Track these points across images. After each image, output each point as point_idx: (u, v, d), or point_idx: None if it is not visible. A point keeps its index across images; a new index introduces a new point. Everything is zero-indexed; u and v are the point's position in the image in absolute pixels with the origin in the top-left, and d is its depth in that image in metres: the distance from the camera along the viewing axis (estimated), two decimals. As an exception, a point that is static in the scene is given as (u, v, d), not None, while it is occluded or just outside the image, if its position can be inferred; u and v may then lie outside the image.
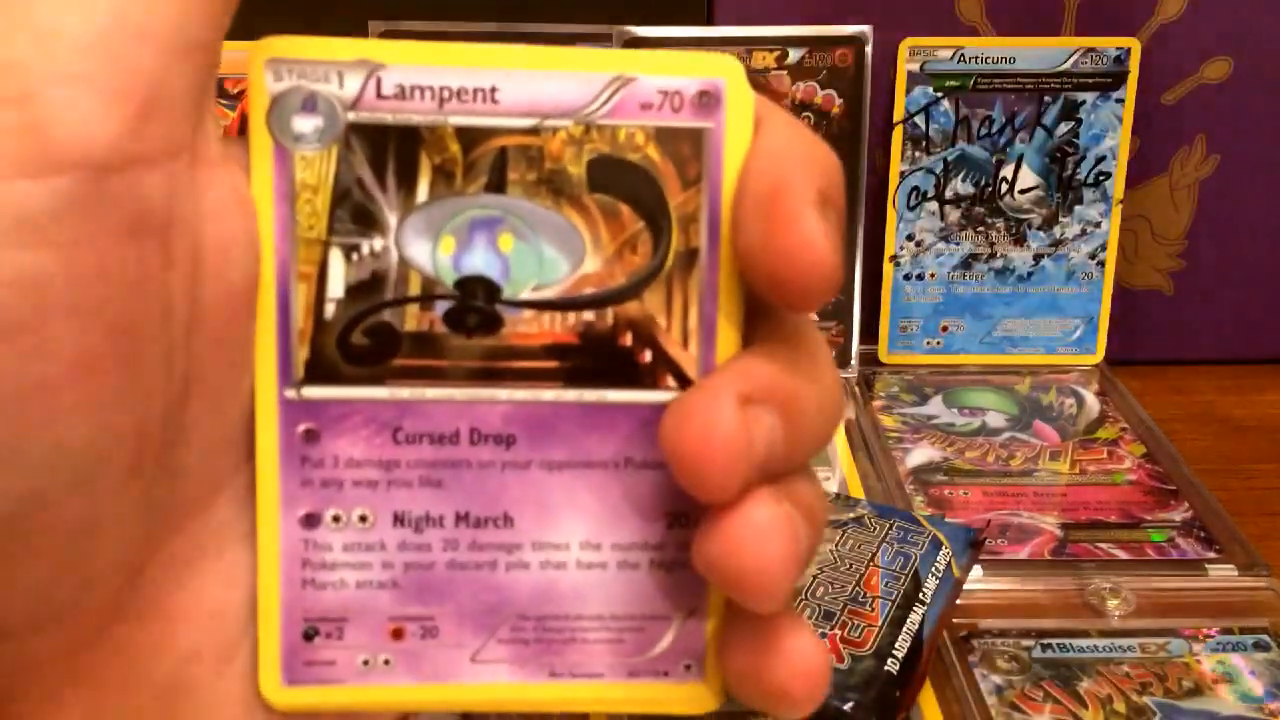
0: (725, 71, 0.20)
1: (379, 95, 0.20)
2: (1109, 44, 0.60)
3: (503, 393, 0.21)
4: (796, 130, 0.21)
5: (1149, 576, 0.48)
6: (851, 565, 0.43)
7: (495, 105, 0.20)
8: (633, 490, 0.21)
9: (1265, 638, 0.44)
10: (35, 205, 0.16)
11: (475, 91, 0.20)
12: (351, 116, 0.20)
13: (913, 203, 0.63)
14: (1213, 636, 0.44)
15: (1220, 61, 0.61)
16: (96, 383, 0.17)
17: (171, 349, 0.18)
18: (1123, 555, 0.49)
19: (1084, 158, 0.62)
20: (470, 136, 0.20)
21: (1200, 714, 0.41)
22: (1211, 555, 0.49)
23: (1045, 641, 0.44)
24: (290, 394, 0.20)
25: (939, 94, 0.61)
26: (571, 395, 0.21)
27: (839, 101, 0.60)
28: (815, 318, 0.63)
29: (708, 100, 0.20)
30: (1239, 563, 0.48)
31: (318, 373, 0.20)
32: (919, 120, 0.62)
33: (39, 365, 0.16)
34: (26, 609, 0.18)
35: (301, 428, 0.20)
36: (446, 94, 0.20)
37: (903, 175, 0.62)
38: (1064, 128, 0.62)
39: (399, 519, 0.21)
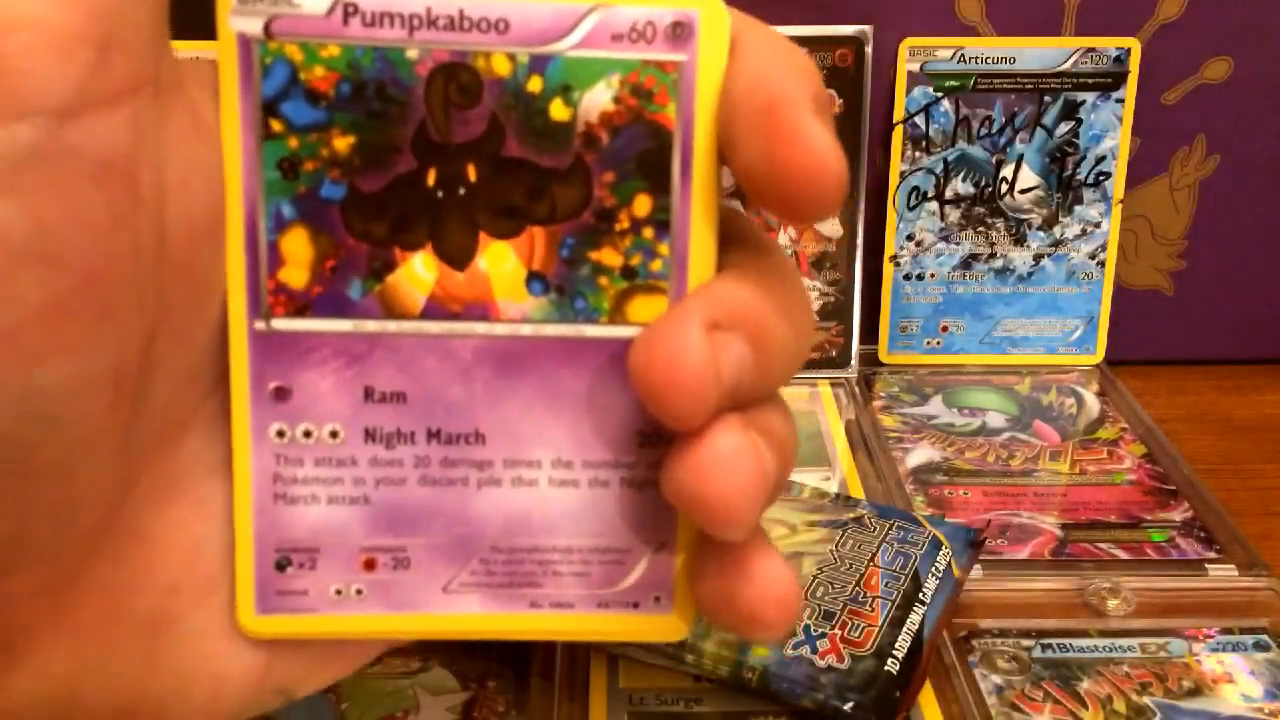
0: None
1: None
2: (1109, 44, 0.60)
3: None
4: (777, 41, 0.20)
5: (1149, 576, 0.48)
6: (851, 565, 0.43)
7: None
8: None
9: (1265, 638, 0.44)
10: None
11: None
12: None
13: (913, 203, 0.63)
14: (1213, 636, 0.44)
15: (1220, 61, 0.61)
16: (67, 328, 0.17)
17: (142, 286, 0.18)
18: (1123, 555, 0.49)
19: (1084, 158, 0.62)
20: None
21: (1200, 714, 0.41)
22: (1211, 555, 0.49)
23: (1045, 641, 0.44)
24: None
25: (939, 94, 0.61)
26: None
27: (839, 101, 0.60)
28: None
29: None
30: (1239, 563, 0.48)
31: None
32: (919, 120, 0.62)
33: (7, 312, 0.16)
34: (5, 551, 0.18)
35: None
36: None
37: (903, 175, 0.62)
38: (1064, 128, 0.62)
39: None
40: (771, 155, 0.19)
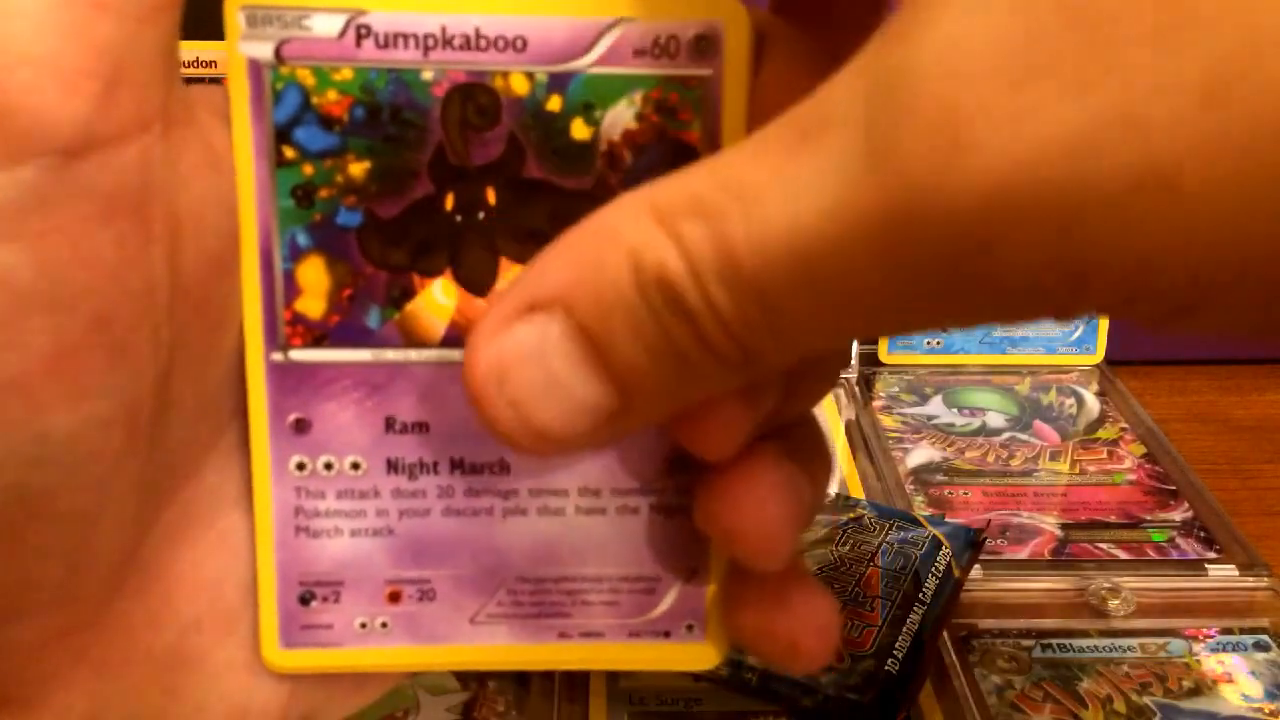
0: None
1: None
2: (1109, 44, 0.60)
3: None
4: (805, 45, 0.20)
5: (1149, 576, 0.48)
6: (851, 565, 0.43)
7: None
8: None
9: (1265, 638, 0.44)
10: (0, 197, 0.15)
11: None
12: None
13: (913, 203, 0.63)
14: (1213, 636, 0.44)
15: (1220, 61, 0.61)
16: (77, 373, 0.16)
17: (156, 325, 0.17)
18: (1123, 555, 0.49)
19: (1084, 158, 0.62)
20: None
21: (1200, 714, 0.41)
22: (1211, 555, 0.49)
23: (1045, 641, 0.44)
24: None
25: (939, 94, 0.61)
26: None
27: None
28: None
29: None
30: (1239, 563, 0.48)
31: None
32: (919, 120, 0.62)
33: (14, 359, 0.16)
34: (23, 596, 0.18)
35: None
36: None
37: (903, 175, 0.62)
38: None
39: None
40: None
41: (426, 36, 0.19)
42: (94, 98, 0.15)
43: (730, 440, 0.18)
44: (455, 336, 0.20)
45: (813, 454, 0.20)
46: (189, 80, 0.18)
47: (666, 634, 0.21)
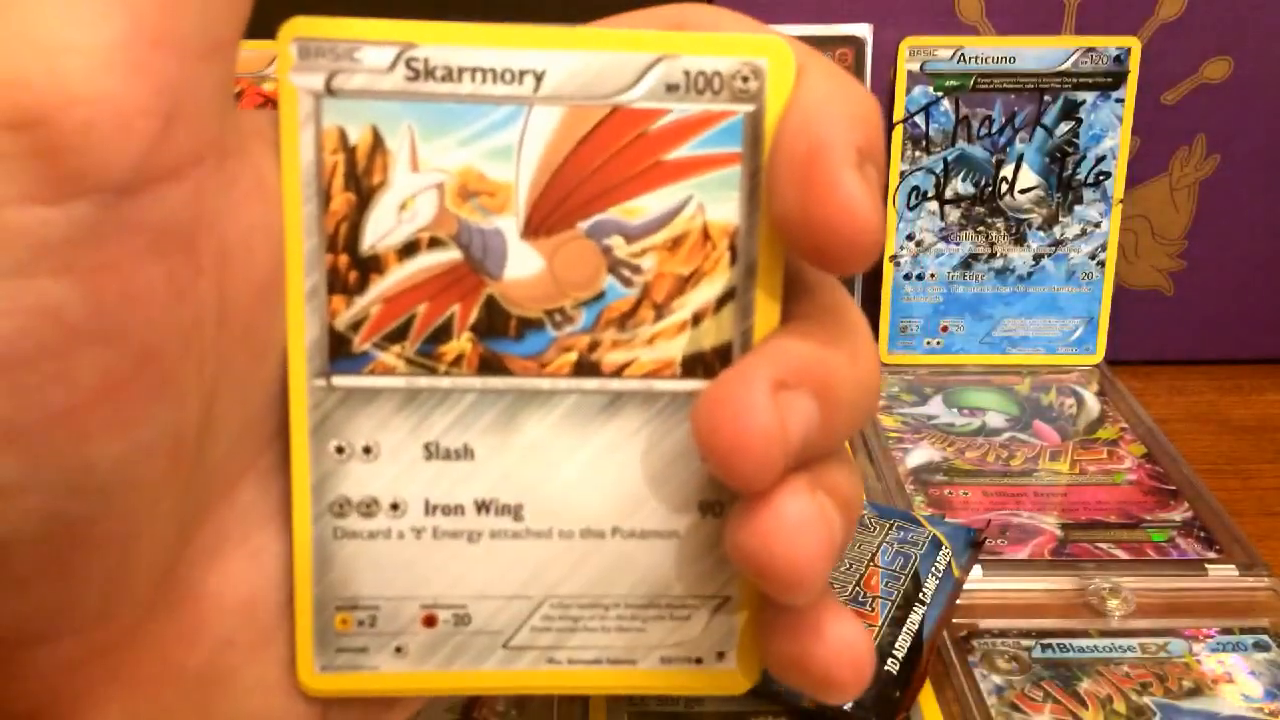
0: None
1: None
2: (1109, 44, 0.60)
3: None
4: (835, 81, 0.19)
5: (1149, 576, 0.48)
6: (851, 565, 0.43)
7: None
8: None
9: (1265, 638, 0.44)
10: (54, 232, 0.15)
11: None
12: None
13: (913, 203, 0.63)
14: (1213, 636, 0.44)
15: (1220, 61, 0.61)
16: (124, 406, 0.16)
17: (202, 356, 0.17)
18: (1123, 555, 0.49)
19: (1084, 158, 0.62)
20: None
21: (1200, 714, 0.41)
22: (1211, 555, 0.49)
23: (1045, 641, 0.44)
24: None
25: (939, 94, 0.61)
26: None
27: (839, 101, 0.60)
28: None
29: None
30: (1239, 563, 0.48)
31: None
32: (919, 120, 0.62)
33: (63, 392, 0.16)
34: (60, 618, 0.18)
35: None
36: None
37: (903, 175, 0.62)
38: (1064, 127, 0.62)
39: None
40: (806, 206, 0.18)
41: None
42: (151, 136, 0.15)
43: (765, 473, 0.18)
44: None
45: (845, 488, 0.20)
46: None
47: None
